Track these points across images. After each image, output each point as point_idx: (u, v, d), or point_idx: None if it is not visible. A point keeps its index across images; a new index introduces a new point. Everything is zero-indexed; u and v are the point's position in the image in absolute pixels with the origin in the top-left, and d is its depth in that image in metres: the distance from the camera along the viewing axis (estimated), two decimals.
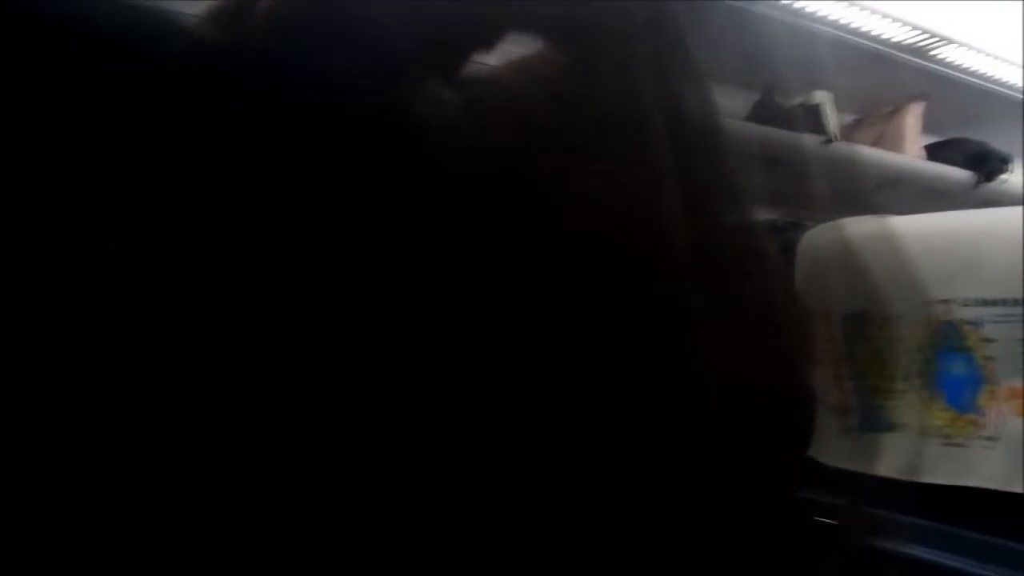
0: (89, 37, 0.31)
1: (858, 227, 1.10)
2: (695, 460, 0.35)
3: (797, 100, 2.08)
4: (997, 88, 2.34)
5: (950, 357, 0.96)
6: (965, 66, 2.22)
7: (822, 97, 2.06)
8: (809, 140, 1.97)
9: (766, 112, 1.88)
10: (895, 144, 2.29)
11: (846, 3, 1.88)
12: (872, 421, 1.03)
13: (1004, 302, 0.91)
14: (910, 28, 2.00)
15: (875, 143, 2.28)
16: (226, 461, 0.30)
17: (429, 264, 0.32)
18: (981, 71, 2.26)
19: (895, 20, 1.96)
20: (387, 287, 0.32)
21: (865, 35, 2.01)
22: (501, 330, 0.33)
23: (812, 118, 2.02)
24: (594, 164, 0.34)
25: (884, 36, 2.03)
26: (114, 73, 0.31)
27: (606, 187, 0.34)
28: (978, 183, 2.36)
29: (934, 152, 2.38)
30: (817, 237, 1.11)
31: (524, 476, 0.33)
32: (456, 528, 0.32)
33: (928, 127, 2.37)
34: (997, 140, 2.42)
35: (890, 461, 1.00)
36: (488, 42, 0.36)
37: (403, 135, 0.33)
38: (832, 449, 1.05)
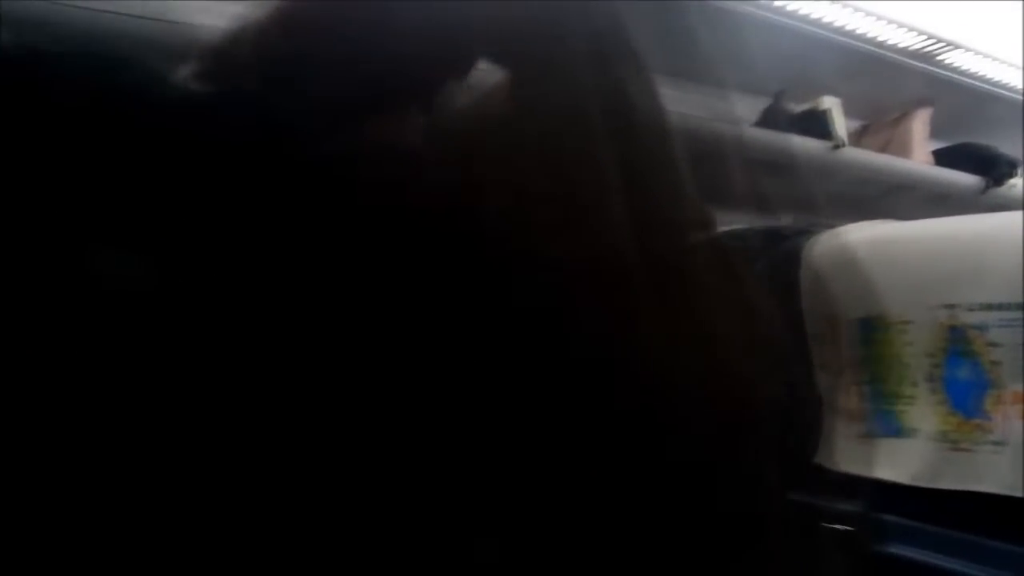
0: (78, 88, 0.32)
1: (866, 232, 1.10)
2: (661, 471, 0.36)
3: (805, 106, 2.08)
4: (1005, 93, 2.33)
5: (956, 362, 0.97)
6: (972, 71, 2.22)
7: (830, 103, 2.07)
8: (817, 146, 1.98)
9: (775, 118, 1.88)
10: (903, 150, 2.28)
11: (852, 9, 1.88)
12: (885, 426, 1.03)
13: (1009, 306, 0.91)
14: (917, 33, 2.00)
15: (883, 149, 2.28)
16: (226, 464, 0.31)
17: (399, 279, 0.33)
18: (989, 76, 2.25)
19: (901, 26, 1.97)
20: (366, 299, 0.33)
21: (872, 41, 2.02)
22: (460, 345, 0.33)
23: (820, 124, 2.03)
24: (540, 187, 0.35)
25: (891, 42, 2.04)
26: (102, 120, 0.32)
27: (553, 210, 0.35)
28: (986, 188, 2.35)
29: (942, 157, 2.37)
30: (825, 242, 1.11)
31: (501, 484, 0.34)
32: (442, 530, 0.33)
33: (935, 132, 2.37)
34: (1005, 145, 2.42)
35: (903, 467, 1.00)
36: (455, 73, 0.37)
37: (372, 165, 0.34)
38: (846, 455, 1.05)
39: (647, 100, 0.39)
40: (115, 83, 0.34)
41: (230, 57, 0.36)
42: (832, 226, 1.13)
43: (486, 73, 0.37)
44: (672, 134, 0.40)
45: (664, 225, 0.39)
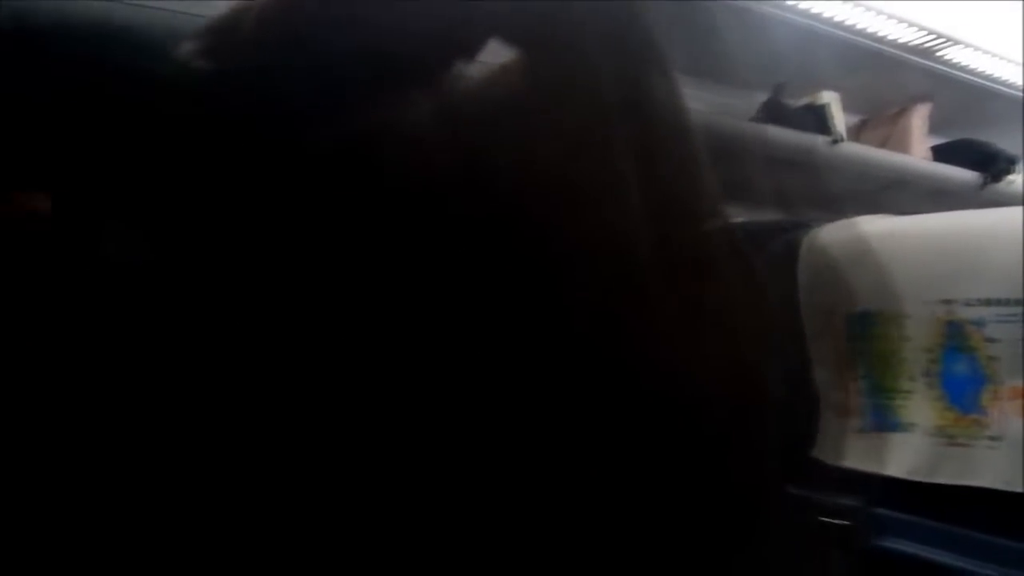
0: (88, 66, 0.32)
1: (863, 227, 1.10)
2: (666, 457, 0.36)
3: (804, 100, 2.08)
4: (1003, 89, 2.33)
5: (954, 357, 0.97)
6: (971, 67, 2.22)
7: (829, 98, 2.07)
8: (816, 141, 1.98)
9: (774, 112, 1.88)
10: (901, 145, 2.29)
11: (852, 4, 1.88)
12: (882, 421, 1.03)
13: (1007, 302, 0.91)
14: (916, 29, 2.00)
15: (881, 144, 2.28)
16: (231, 462, 0.31)
17: (408, 269, 0.33)
18: (987, 72, 2.26)
19: (901, 21, 1.97)
20: (371, 290, 0.33)
21: (872, 36, 2.02)
22: (470, 334, 0.33)
23: (819, 119, 2.03)
24: (552, 170, 0.35)
25: (891, 37, 2.04)
26: (112, 95, 0.32)
27: (566, 193, 0.35)
28: (985, 184, 2.36)
29: (941, 153, 2.38)
30: (823, 237, 1.11)
31: (512, 478, 0.34)
32: (448, 526, 0.33)
33: (934, 128, 2.37)
34: (1004, 141, 2.42)
35: (899, 461, 1.00)
36: (465, 53, 0.37)
37: (382, 145, 0.34)
38: (842, 449, 1.05)
39: (665, 89, 0.39)
40: (119, 61, 0.34)
41: (234, 35, 0.35)
42: (830, 220, 1.13)
43: (495, 54, 0.37)
44: (690, 124, 0.40)
45: (681, 213, 0.39)
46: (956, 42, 2.07)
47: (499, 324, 0.34)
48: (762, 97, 1.92)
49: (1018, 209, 0.94)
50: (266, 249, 0.33)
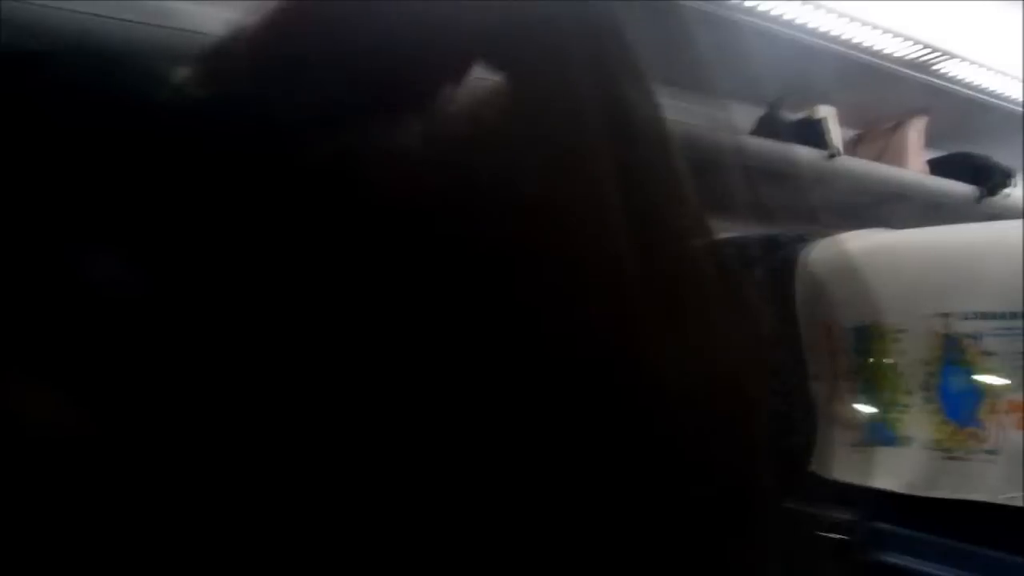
0: (72, 91, 0.33)
1: (861, 241, 1.11)
2: (657, 475, 0.36)
3: (801, 115, 2.09)
4: (999, 102, 2.34)
5: (951, 371, 0.97)
6: (967, 80, 2.23)
7: (826, 112, 2.08)
8: (813, 154, 1.98)
9: (771, 127, 1.89)
10: (898, 159, 2.29)
11: (849, 18, 1.89)
12: (880, 435, 1.03)
13: (1003, 315, 0.91)
14: (912, 43, 2.01)
15: (878, 158, 2.29)
16: (222, 465, 0.31)
17: (397, 282, 0.33)
18: (982, 85, 2.26)
19: (897, 35, 1.97)
20: (365, 303, 0.33)
21: (868, 50, 2.02)
22: (460, 349, 0.33)
23: (816, 133, 2.03)
24: (537, 192, 0.35)
25: (887, 51, 2.04)
26: (99, 122, 0.32)
27: (550, 215, 0.35)
28: (981, 197, 2.36)
29: (937, 166, 2.38)
30: (820, 251, 1.11)
31: (498, 482, 0.34)
32: (444, 529, 0.33)
33: (930, 141, 2.37)
34: (1000, 154, 2.43)
35: (897, 475, 1.00)
36: (451, 78, 0.37)
37: (368, 169, 0.34)
38: (840, 463, 1.05)
39: (646, 107, 0.39)
40: (110, 86, 0.34)
41: (225, 61, 0.36)
42: (827, 235, 1.13)
43: (483, 78, 0.37)
44: (672, 141, 0.40)
45: (664, 231, 0.39)
46: (952, 56, 2.08)
47: (485, 340, 0.35)
48: (759, 112, 1.93)
49: (1015, 222, 0.95)
50: (256, 273, 0.33)
